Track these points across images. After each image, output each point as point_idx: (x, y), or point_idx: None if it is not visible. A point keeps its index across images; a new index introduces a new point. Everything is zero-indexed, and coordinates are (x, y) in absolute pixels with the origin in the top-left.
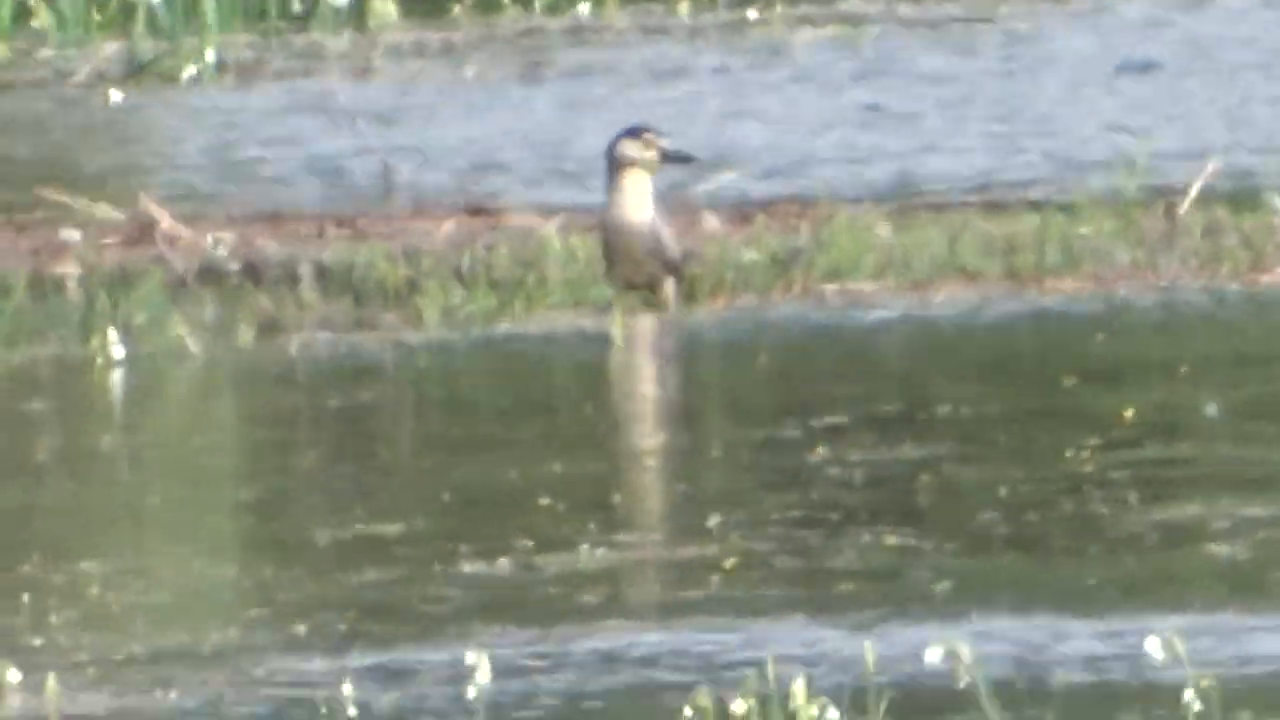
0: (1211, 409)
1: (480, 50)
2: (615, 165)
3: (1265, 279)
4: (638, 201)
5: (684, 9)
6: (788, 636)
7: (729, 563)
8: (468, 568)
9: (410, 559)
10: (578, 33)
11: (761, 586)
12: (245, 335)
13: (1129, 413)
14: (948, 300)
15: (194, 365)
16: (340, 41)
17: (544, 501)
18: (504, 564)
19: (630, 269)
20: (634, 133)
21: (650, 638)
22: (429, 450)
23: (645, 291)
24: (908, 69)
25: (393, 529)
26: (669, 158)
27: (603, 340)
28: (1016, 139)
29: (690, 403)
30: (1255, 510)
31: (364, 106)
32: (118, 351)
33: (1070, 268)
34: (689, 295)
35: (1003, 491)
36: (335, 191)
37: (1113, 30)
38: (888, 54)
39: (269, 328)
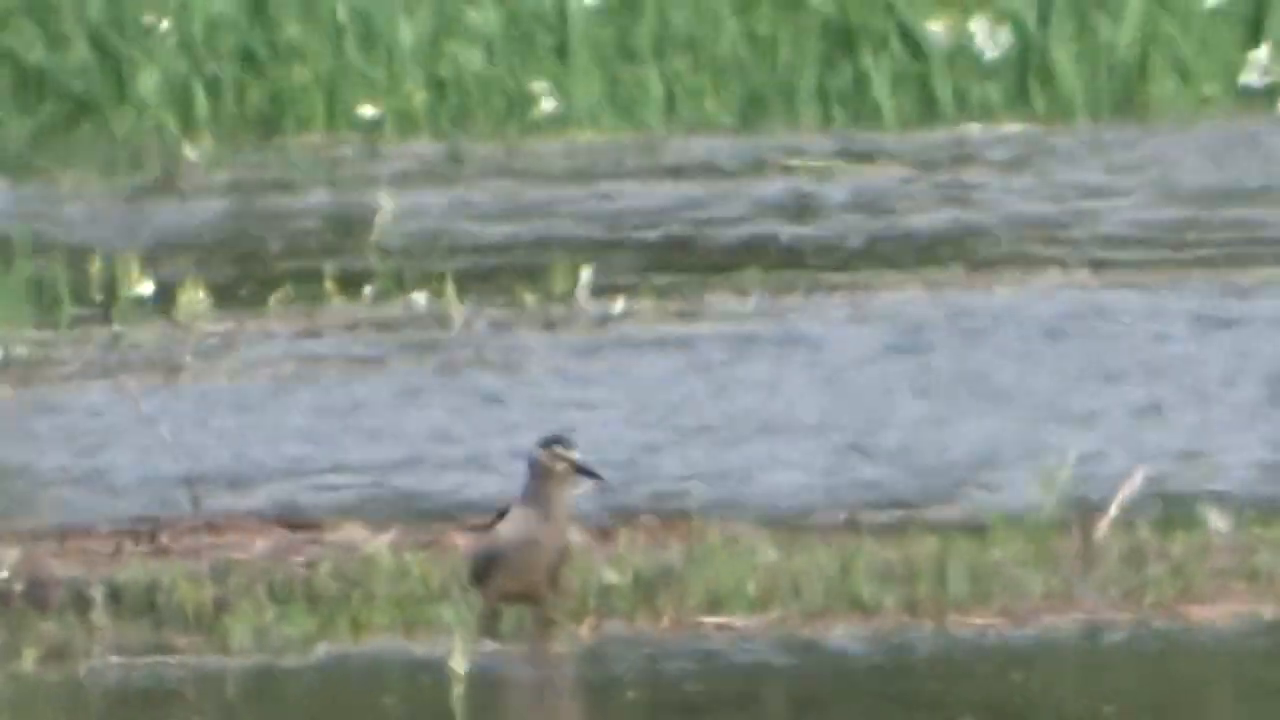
0: None
1: (301, 343)
2: (539, 474)
3: (1196, 612)
4: (564, 516)
5: (528, 301)
6: None
7: None
8: None
9: None
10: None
11: None
12: (28, 661)
13: None
14: (842, 634)
15: None
16: (145, 335)
17: None
18: None
19: (518, 583)
20: (548, 443)
21: None
22: None
23: (519, 605)
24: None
25: None
26: (579, 470)
27: (440, 670)
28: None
29: None
30: None
31: (170, 409)
32: None
33: (978, 598)
34: (543, 620)
35: None
36: (134, 505)
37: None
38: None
39: (57, 652)
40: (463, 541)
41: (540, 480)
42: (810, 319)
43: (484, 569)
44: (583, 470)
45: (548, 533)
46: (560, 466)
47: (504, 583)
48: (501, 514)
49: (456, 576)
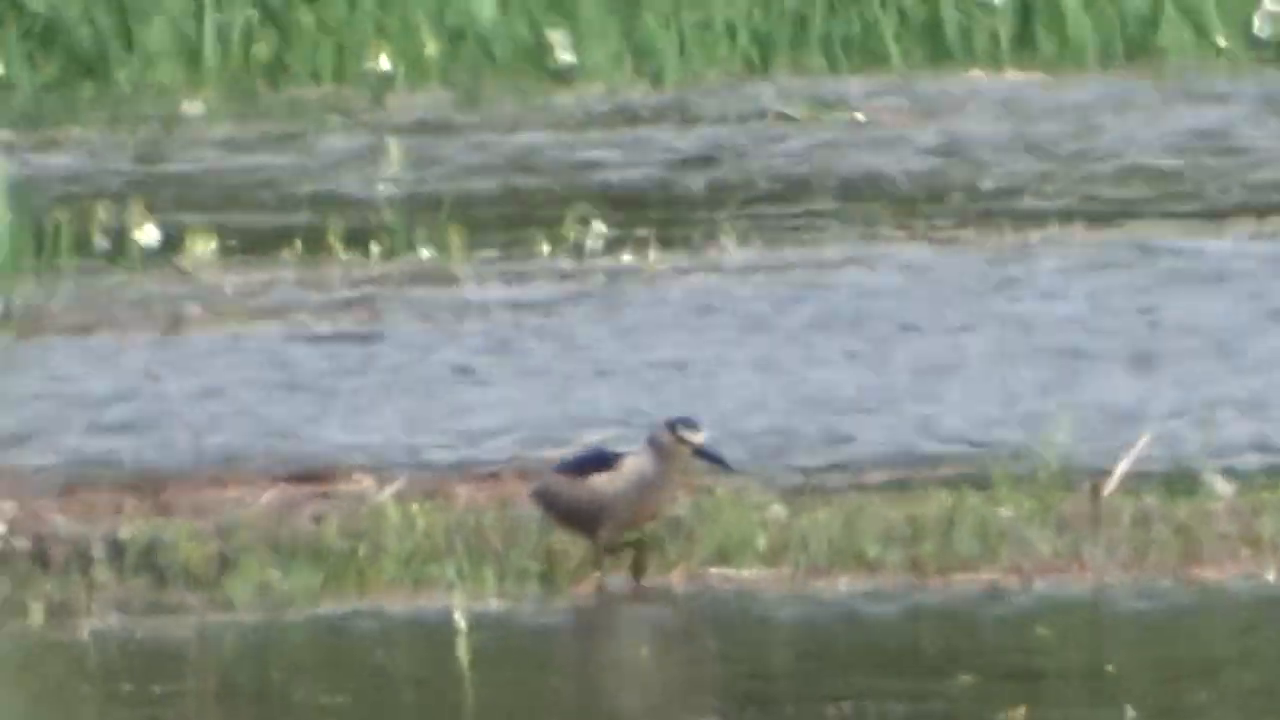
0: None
1: (311, 295)
2: (661, 452)
3: (1200, 573)
4: (675, 488)
5: (545, 250)
6: None
7: None
8: None
9: None
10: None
11: None
12: (35, 617)
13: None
14: (846, 590)
15: None
16: (149, 285)
17: None
18: None
19: (623, 532)
20: (674, 424)
21: None
22: None
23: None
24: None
25: None
26: (700, 454)
27: (446, 626)
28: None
29: (555, 706)
30: None
31: (174, 363)
32: None
33: (985, 556)
34: (547, 577)
35: None
36: (138, 459)
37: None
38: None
39: (59, 610)
40: (557, 483)
41: (660, 456)
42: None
43: (588, 521)
44: (706, 455)
45: (655, 497)
46: (684, 450)
47: (607, 534)
48: (601, 458)
49: (462, 528)
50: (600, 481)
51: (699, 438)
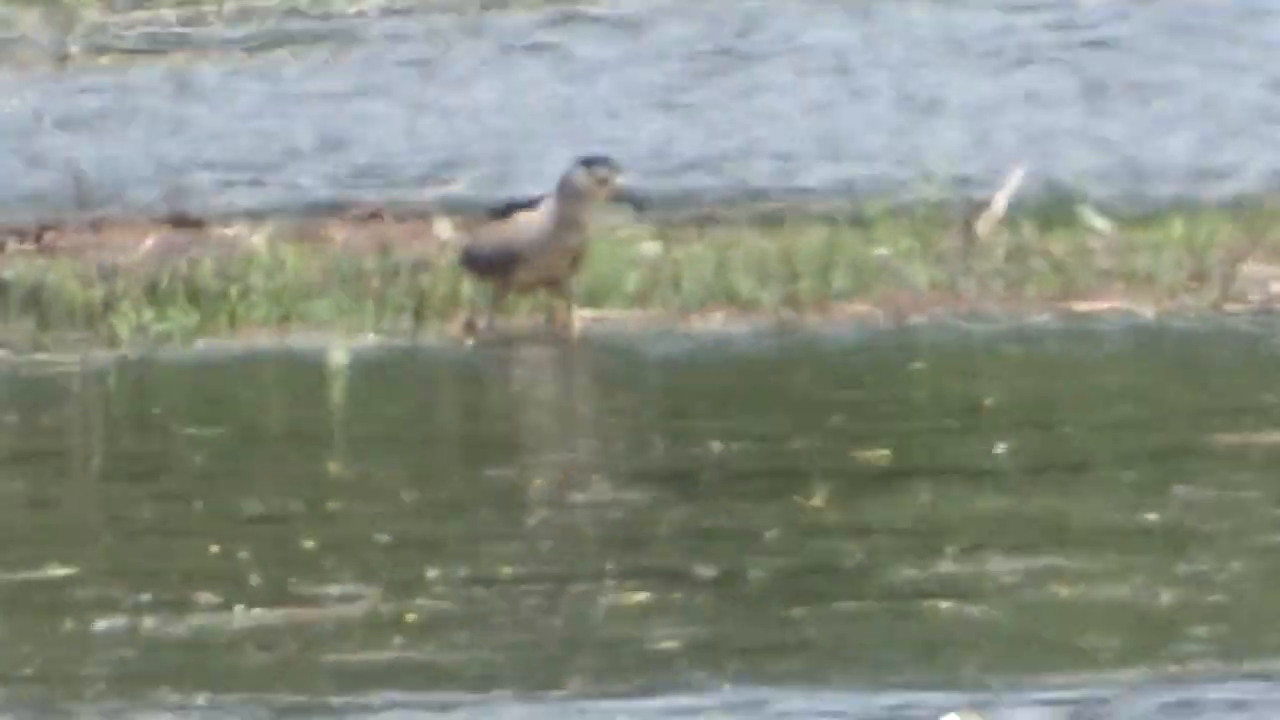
0: (1000, 449)
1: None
2: (575, 193)
3: (1077, 306)
4: (589, 223)
5: None
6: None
7: (415, 620)
8: (118, 623)
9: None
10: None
11: (467, 651)
12: None
13: (884, 452)
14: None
15: None
16: (31, 20)
17: (237, 550)
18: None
19: (536, 276)
20: (590, 163)
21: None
22: (107, 483)
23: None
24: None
25: (55, 573)
26: (620, 197)
27: (318, 361)
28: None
29: (418, 435)
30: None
31: (57, 103)
32: None
33: (860, 290)
34: (417, 313)
35: (751, 541)
36: (20, 202)
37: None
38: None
39: None
40: (475, 232)
41: (574, 196)
42: None
43: (503, 262)
44: (624, 197)
45: (572, 238)
46: (602, 190)
47: (523, 276)
48: (515, 204)
49: (340, 268)
50: (522, 219)
51: (618, 178)
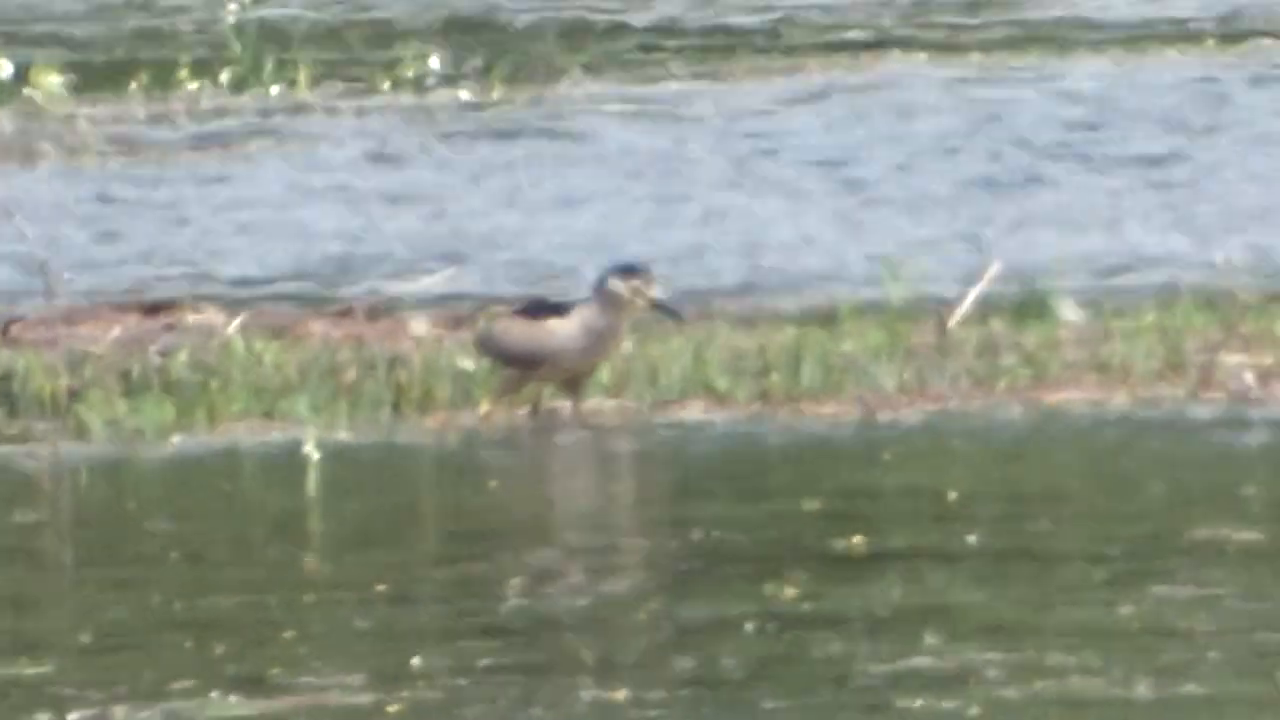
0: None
1: (160, 127)
2: (611, 302)
3: (1048, 398)
4: (618, 341)
5: (384, 86)
6: None
7: (396, 710)
8: (89, 714)
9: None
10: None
11: None
12: None
13: (857, 539)
14: (695, 421)
15: None
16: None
17: (213, 642)
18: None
19: (560, 376)
20: (627, 272)
21: None
22: (81, 578)
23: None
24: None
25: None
26: (656, 307)
27: (296, 455)
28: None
29: (397, 529)
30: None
31: (25, 196)
32: None
33: (831, 389)
34: (395, 406)
35: (729, 631)
36: None
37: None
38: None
39: None
40: (507, 325)
41: (612, 306)
42: None
43: (529, 362)
44: (660, 308)
45: (606, 349)
46: (639, 302)
47: (545, 375)
48: (546, 306)
49: (318, 364)
50: (554, 324)
51: (655, 290)
